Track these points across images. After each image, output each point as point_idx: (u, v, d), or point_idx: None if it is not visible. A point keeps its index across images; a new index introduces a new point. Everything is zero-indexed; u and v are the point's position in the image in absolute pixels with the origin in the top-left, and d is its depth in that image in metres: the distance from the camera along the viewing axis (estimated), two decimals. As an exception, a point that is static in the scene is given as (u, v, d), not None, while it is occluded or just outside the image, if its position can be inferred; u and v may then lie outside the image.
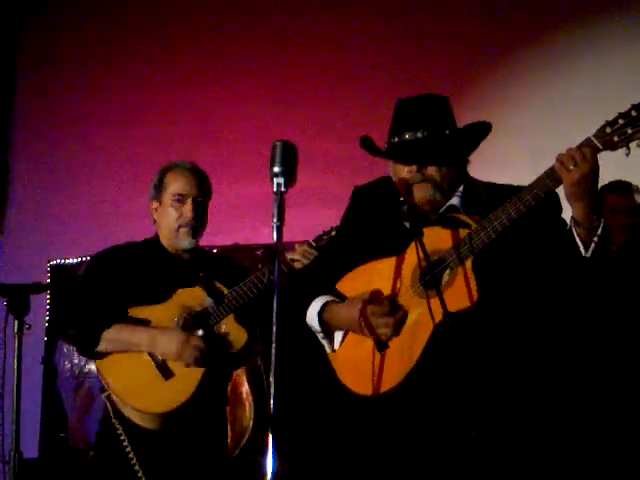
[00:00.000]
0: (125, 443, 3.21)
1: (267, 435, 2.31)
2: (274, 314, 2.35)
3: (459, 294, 2.59)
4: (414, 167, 2.75)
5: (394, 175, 2.84)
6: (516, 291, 2.67)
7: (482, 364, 2.63)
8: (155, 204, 3.52)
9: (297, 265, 3.33)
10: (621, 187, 4.59)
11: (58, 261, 6.08)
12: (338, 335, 2.85)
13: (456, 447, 2.57)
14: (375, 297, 2.74)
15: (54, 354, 5.47)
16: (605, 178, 3.45)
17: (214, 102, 6.38)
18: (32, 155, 6.68)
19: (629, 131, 2.45)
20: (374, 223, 2.89)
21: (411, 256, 2.71)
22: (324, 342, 2.87)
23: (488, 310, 2.61)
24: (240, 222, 5.83)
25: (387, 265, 2.78)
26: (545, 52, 5.83)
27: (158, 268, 3.44)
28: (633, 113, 2.46)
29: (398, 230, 2.79)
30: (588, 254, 2.55)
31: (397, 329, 2.68)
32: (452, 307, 2.53)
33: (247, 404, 4.73)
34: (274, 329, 2.33)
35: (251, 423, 4.70)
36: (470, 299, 2.57)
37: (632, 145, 2.48)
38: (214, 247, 5.00)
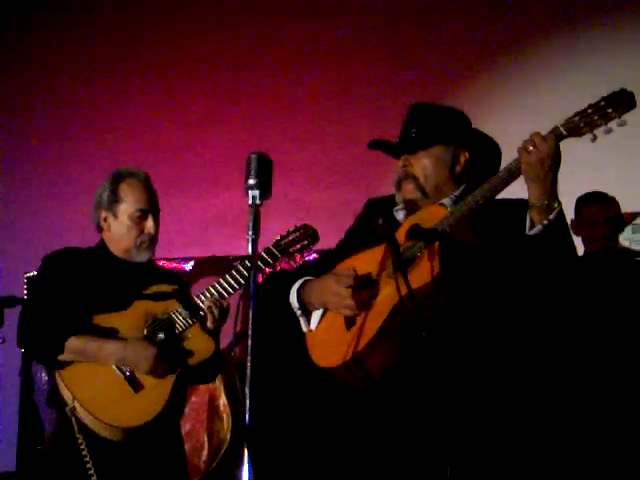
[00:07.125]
0: (87, 459, 3.12)
1: (243, 448, 2.30)
2: (250, 326, 2.35)
3: (422, 272, 2.67)
4: (401, 163, 2.89)
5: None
6: (476, 273, 2.72)
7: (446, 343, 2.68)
8: (105, 214, 3.36)
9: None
10: (597, 198, 4.61)
11: (35, 273, 6.00)
12: (315, 315, 2.90)
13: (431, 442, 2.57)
14: (348, 273, 2.82)
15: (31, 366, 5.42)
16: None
17: (190, 114, 6.37)
18: (7, 167, 6.64)
19: (595, 117, 2.58)
20: (367, 231, 2.94)
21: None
22: (301, 320, 2.92)
23: (450, 288, 2.66)
24: (217, 233, 5.80)
25: (369, 255, 2.85)
26: (543, 55, 5.91)
27: (112, 275, 3.33)
28: (602, 103, 2.59)
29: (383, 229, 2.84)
30: (531, 232, 2.64)
31: (362, 304, 2.76)
32: (415, 284, 2.59)
33: (225, 417, 4.72)
34: (249, 341, 2.33)
35: (229, 436, 4.68)
36: (431, 275, 2.64)
37: (599, 132, 2.59)
38: (191, 258, 4.97)
